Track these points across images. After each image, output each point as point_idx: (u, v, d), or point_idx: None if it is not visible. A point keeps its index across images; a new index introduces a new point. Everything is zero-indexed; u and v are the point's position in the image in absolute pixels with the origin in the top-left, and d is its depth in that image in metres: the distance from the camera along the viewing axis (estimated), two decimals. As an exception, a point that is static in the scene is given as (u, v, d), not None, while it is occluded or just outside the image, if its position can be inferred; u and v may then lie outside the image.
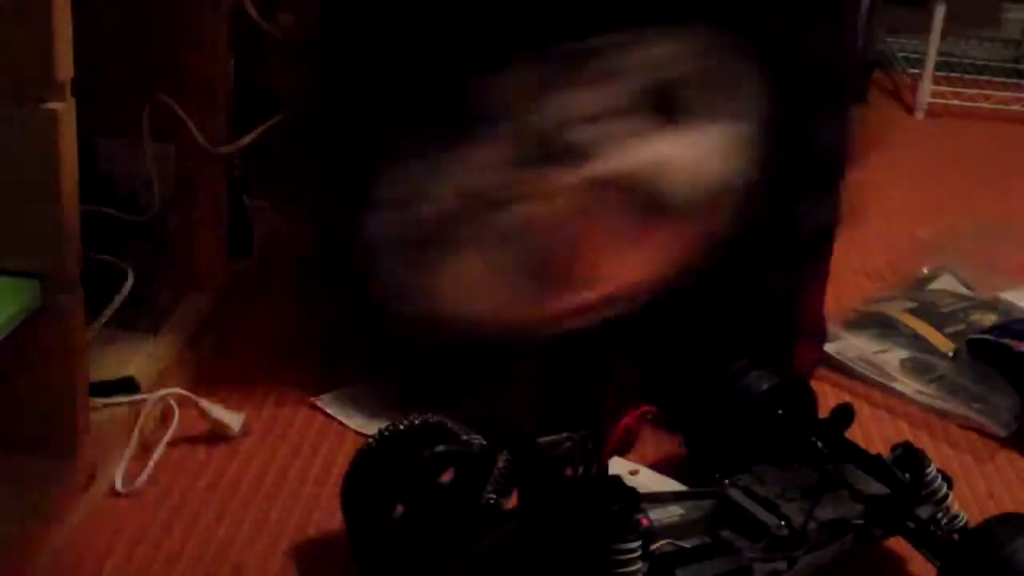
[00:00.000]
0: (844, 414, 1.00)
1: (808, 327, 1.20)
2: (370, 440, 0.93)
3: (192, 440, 1.10)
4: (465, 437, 0.92)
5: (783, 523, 0.88)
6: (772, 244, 0.91)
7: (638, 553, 0.80)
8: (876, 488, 0.94)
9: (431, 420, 0.94)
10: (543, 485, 0.85)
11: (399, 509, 0.91)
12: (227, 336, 1.28)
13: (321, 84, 0.82)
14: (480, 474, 0.91)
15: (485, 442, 0.94)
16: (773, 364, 1.13)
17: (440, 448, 0.90)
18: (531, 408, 1.11)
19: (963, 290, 1.49)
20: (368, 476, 0.92)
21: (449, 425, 0.94)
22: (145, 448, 1.07)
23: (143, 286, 1.16)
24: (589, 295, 0.82)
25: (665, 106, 0.81)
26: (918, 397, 1.29)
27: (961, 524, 0.94)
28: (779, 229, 0.90)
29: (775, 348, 1.16)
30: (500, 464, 0.90)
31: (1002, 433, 1.23)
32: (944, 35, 2.38)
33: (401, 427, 0.93)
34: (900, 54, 2.63)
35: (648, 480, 1.06)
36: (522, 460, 0.87)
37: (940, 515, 0.94)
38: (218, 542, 0.98)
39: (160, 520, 1.00)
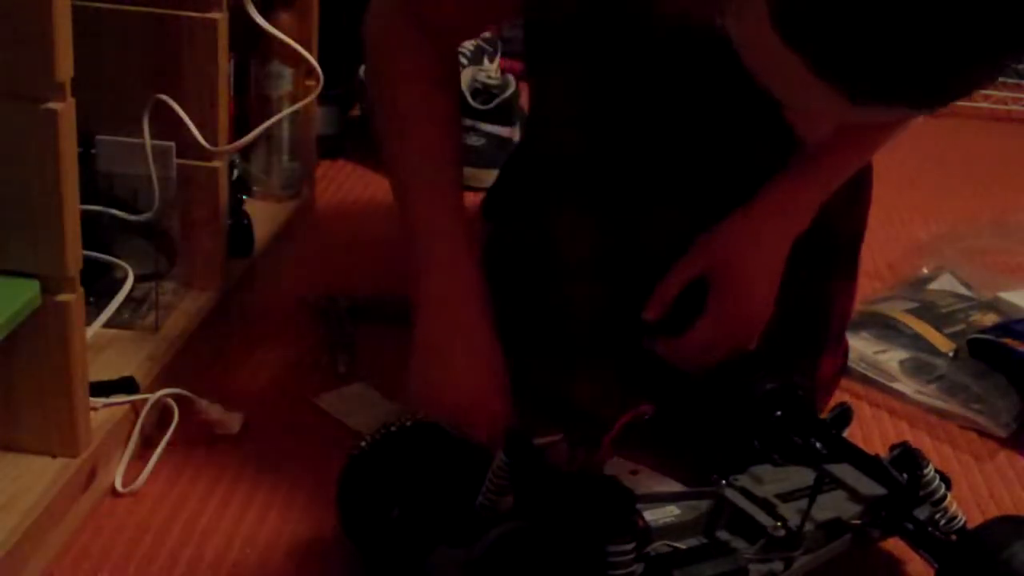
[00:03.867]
0: (843, 415, 1.00)
1: (834, 336, 1.19)
2: (363, 442, 0.93)
3: (192, 440, 1.10)
4: (460, 438, 0.92)
5: (780, 524, 0.88)
6: None
7: (633, 554, 0.80)
8: (874, 489, 0.94)
9: (425, 421, 0.94)
10: (539, 486, 0.85)
11: (394, 511, 0.91)
12: (227, 336, 1.29)
13: None
14: (476, 475, 0.91)
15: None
16: (796, 372, 1.13)
17: (435, 449, 0.90)
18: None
19: (963, 290, 1.49)
20: (362, 478, 0.92)
21: (443, 426, 0.93)
22: (145, 448, 1.07)
23: (143, 286, 1.17)
24: None
25: None
26: (918, 397, 1.29)
27: (960, 525, 0.94)
28: None
29: (800, 357, 1.16)
30: (496, 465, 0.90)
31: (1002, 433, 1.23)
32: (945, 35, 2.37)
33: (394, 428, 0.92)
34: (901, 54, 2.62)
35: (647, 480, 1.06)
36: (518, 461, 0.88)
37: (938, 516, 0.94)
38: (218, 541, 0.99)
39: (160, 520, 1.00)
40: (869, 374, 1.32)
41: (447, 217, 1.03)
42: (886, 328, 1.38)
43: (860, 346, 1.35)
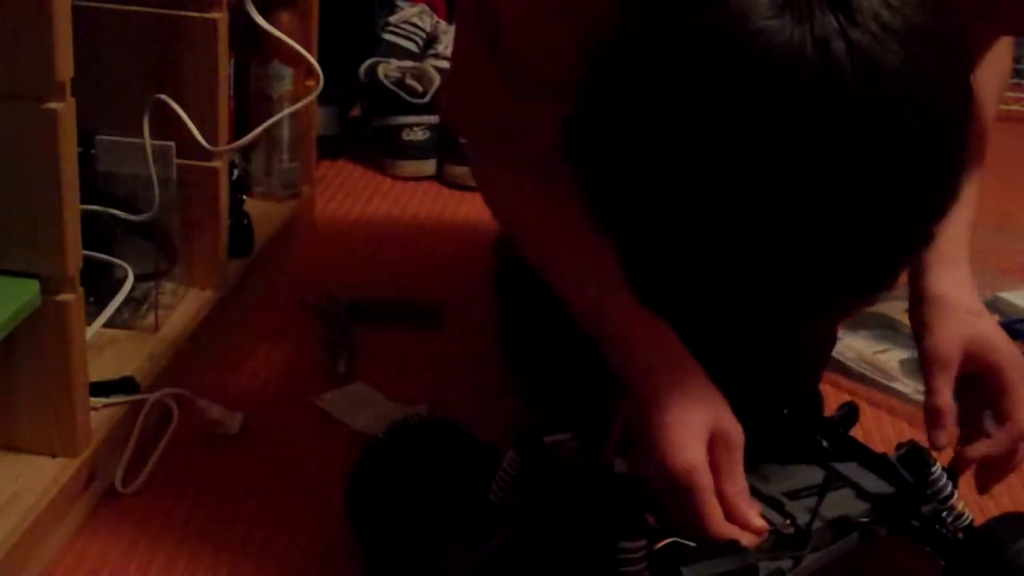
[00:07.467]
0: (850, 413, 1.00)
1: None
2: (377, 438, 0.93)
3: (192, 440, 1.10)
4: (471, 435, 0.92)
5: (788, 521, 0.88)
6: None
7: (643, 552, 0.79)
8: (881, 487, 0.94)
9: (437, 418, 0.93)
10: (549, 484, 0.85)
11: (405, 507, 0.91)
12: (227, 336, 1.28)
13: None
14: (486, 472, 0.90)
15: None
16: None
17: (447, 446, 0.90)
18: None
19: (963, 290, 1.49)
20: (374, 474, 0.92)
21: (455, 423, 0.93)
22: (145, 448, 1.07)
23: (143, 286, 1.16)
24: None
25: None
26: (918, 397, 1.28)
27: (966, 523, 0.94)
28: None
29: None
30: (506, 462, 0.90)
31: (1003, 433, 1.23)
32: (942, 36, 2.37)
33: (407, 425, 0.92)
34: (898, 55, 2.62)
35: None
36: (528, 458, 0.87)
37: (945, 514, 0.94)
38: (217, 542, 0.98)
39: (160, 520, 1.00)
40: (869, 374, 1.32)
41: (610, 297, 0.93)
42: (886, 328, 1.38)
43: (860, 346, 1.35)
